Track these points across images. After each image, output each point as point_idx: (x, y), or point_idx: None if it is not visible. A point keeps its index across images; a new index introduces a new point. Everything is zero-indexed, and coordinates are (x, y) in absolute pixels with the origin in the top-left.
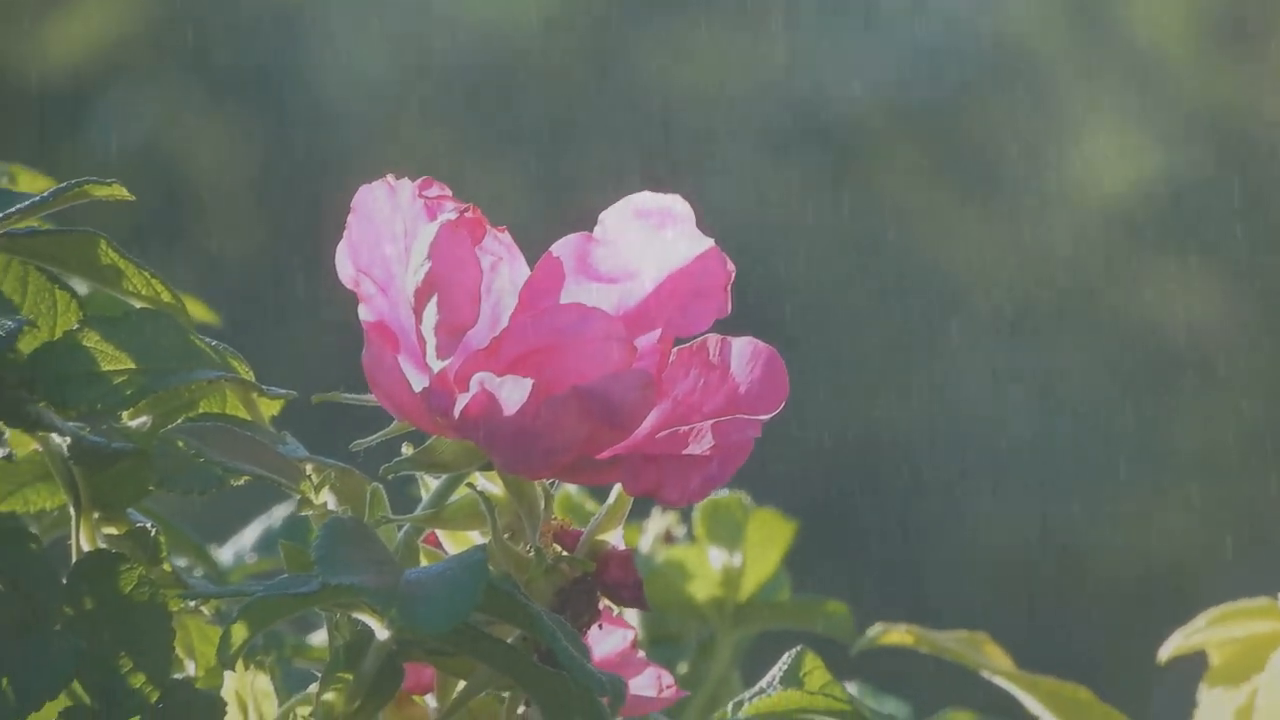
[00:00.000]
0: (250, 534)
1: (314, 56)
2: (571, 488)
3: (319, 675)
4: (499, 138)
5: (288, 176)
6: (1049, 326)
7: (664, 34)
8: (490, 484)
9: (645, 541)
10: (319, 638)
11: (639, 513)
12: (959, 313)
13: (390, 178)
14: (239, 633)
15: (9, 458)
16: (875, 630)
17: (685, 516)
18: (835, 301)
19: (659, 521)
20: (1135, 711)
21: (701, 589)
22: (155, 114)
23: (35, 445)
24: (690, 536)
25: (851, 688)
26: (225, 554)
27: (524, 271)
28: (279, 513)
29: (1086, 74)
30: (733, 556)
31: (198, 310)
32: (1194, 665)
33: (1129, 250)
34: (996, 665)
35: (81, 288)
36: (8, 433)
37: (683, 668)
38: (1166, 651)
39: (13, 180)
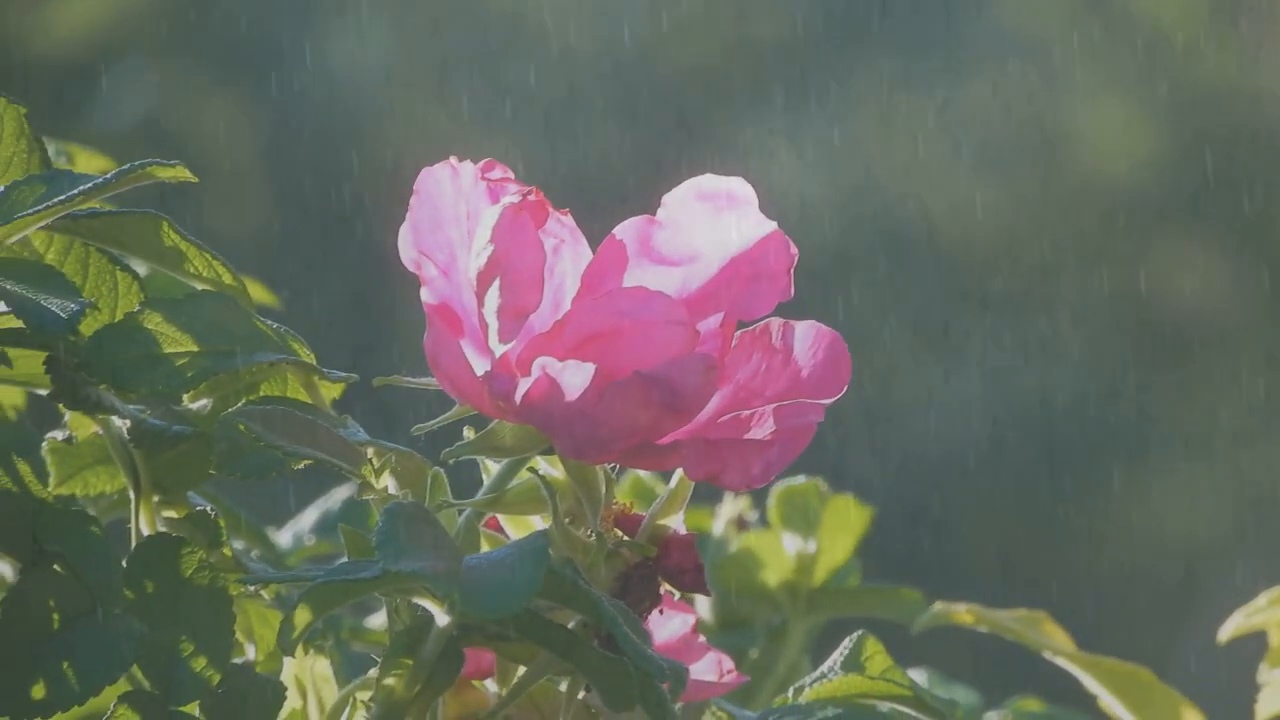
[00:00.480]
0: (309, 516)
1: (318, 32)
2: (641, 470)
3: (376, 659)
4: (506, 116)
5: (291, 154)
6: (1051, 301)
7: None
8: (551, 468)
9: (717, 526)
10: (376, 620)
11: (711, 497)
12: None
13: (453, 160)
14: (301, 618)
15: (69, 440)
16: (936, 610)
17: (758, 501)
18: (836, 278)
19: (731, 506)
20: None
21: (774, 574)
22: (158, 91)
23: (95, 428)
24: (763, 521)
25: (920, 674)
26: (284, 536)
27: (586, 254)
28: (338, 495)
29: (1088, 50)
30: (807, 543)
31: (257, 291)
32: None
33: (1133, 227)
34: (1056, 644)
35: (140, 269)
36: (67, 415)
37: (753, 653)
38: (1227, 632)
39: (70, 160)
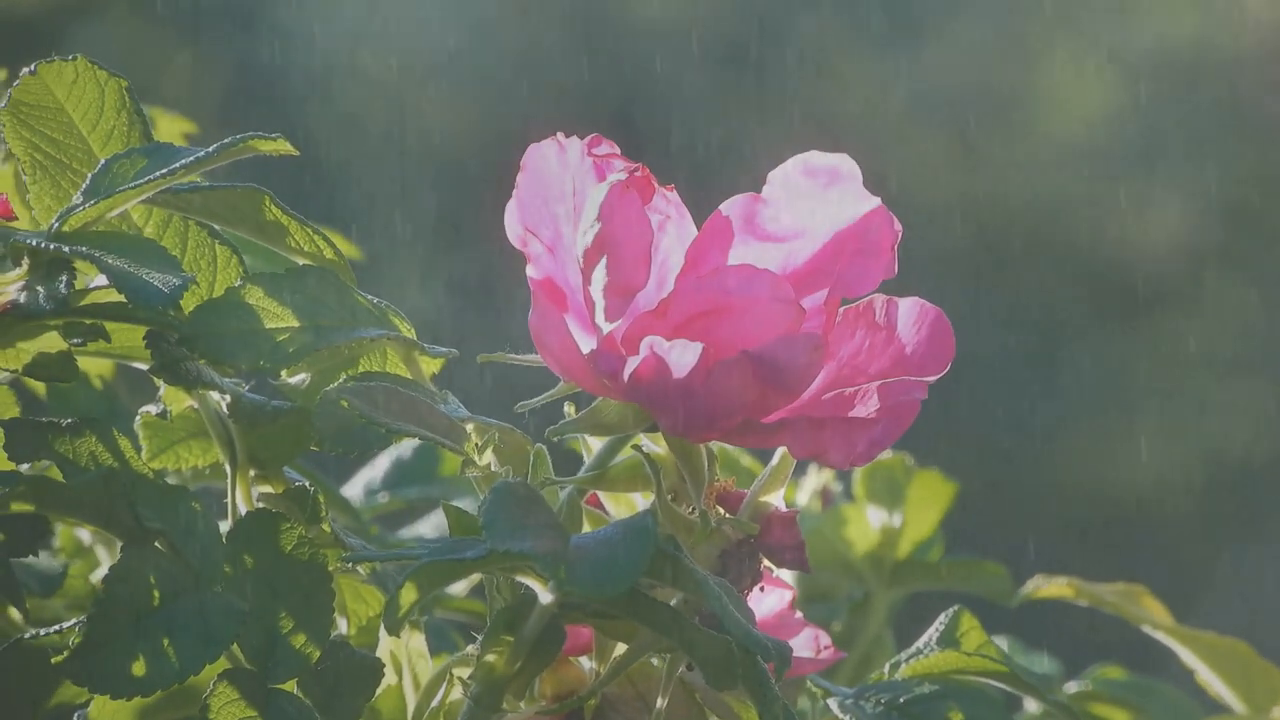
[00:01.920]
0: (381, 463)
1: None
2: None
3: (458, 627)
4: (466, 77)
5: (252, 112)
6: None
7: None
8: (654, 446)
9: (802, 498)
10: (458, 587)
11: (796, 469)
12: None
13: (560, 136)
14: (407, 597)
15: (163, 414)
16: (1034, 583)
17: (842, 474)
18: None
19: (816, 479)
20: None
21: (860, 547)
22: (117, 51)
23: (189, 402)
24: (847, 494)
25: (1001, 643)
26: (355, 487)
27: (691, 231)
28: (408, 441)
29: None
30: (892, 516)
31: (344, 247)
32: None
33: (1102, 181)
34: (1154, 618)
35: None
36: (162, 389)
37: (835, 626)
38: None
39: (152, 124)
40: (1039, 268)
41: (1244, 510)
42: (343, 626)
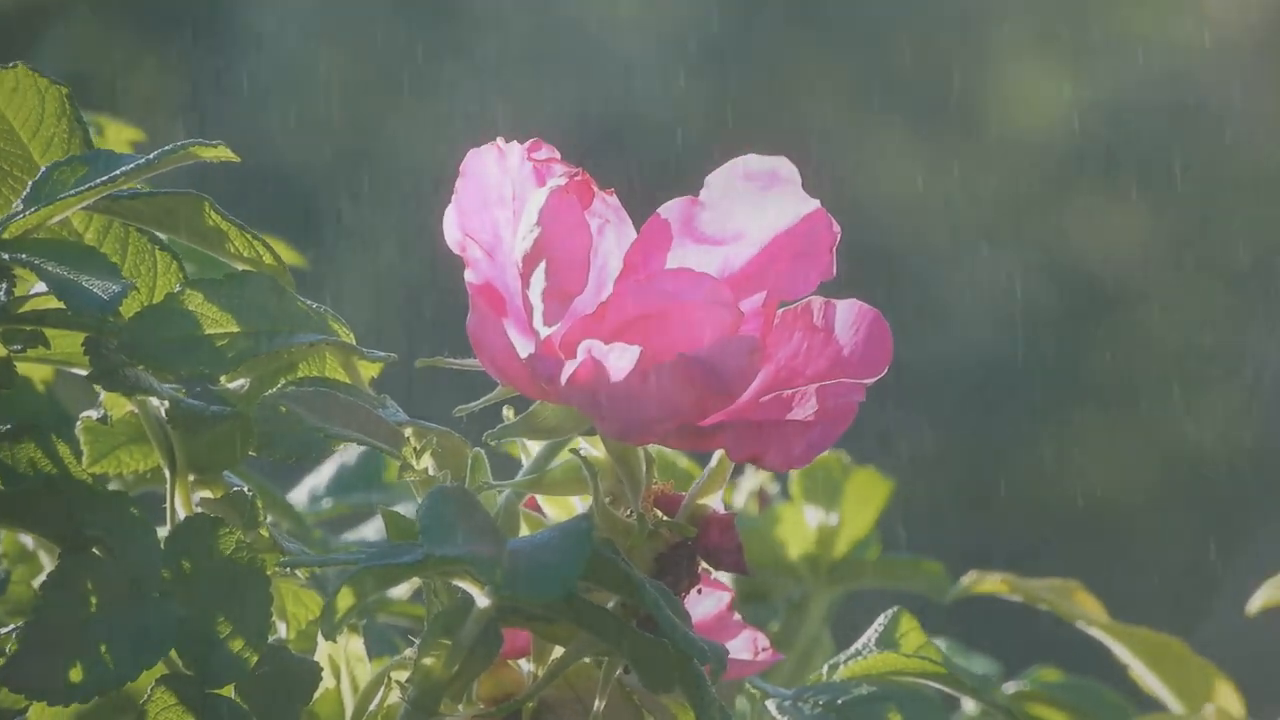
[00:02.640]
0: (326, 471)
1: None
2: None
3: (399, 631)
4: (431, 69)
5: (218, 110)
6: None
7: None
8: (592, 449)
9: (739, 500)
10: (400, 591)
11: (733, 471)
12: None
13: (500, 140)
14: (344, 602)
15: (104, 420)
16: (969, 579)
17: (779, 474)
18: None
19: (753, 480)
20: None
21: (796, 547)
22: (80, 48)
23: (129, 407)
24: (784, 495)
25: (939, 645)
26: (300, 493)
27: (630, 235)
28: (354, 448)
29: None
30: (829, 516)
31: (285, 253)
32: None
33: (1060, 182)
34: (1089, 614)
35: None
36: (102, 395)
37: (773, 626)
38: (1256, 604)
39: (100, 132)
40: (1006, 268)
41: (1212, 512)
42: (282, 631)
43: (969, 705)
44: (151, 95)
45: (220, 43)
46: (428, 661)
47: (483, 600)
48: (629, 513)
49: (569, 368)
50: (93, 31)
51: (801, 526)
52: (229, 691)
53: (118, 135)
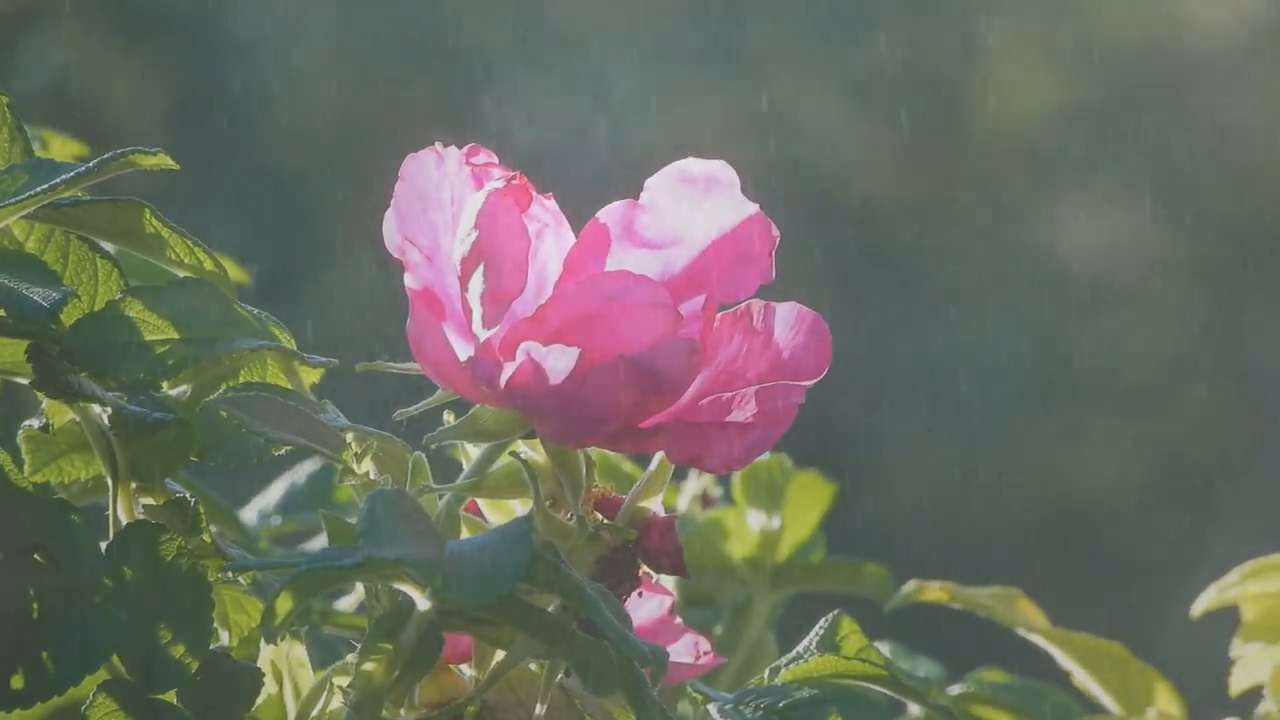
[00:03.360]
0: (275, 491)
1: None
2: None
3: (346, 642)
4: (417, 73)
5: (200, 117)
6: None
7: None
8: (532, 452)
9: (682, 503)
10: (346, 603)
11: (676, 474)
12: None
13: (438, 145)
14: (283, 606)
15: (45, 428)
16: (910, 587)
17: (722, 478)
18: None
19: (696, 483)
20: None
21: (739, 551)
22: (69, 53)
23: (71, 415)
24: (727, 498)
25: (884, 648)
26: (249, 512)
27: (569, 238)
28: (304, 469)
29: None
30: (771, 519)
31: (231, 270)
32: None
33: (1042, 178)
34: (1030, 621)
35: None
36: (44, 403)
37: (718, 630)
38: (1200, 606)
39: (44, 145)
40: (989, 265)
41: (1194, 512)
42: (225, 638)
43: (915, 709)
44: (133, 100)
45: (203, 47)
46: (369, 666)
47: (423, 604)
48: (569, 515)
49: (508, 370)
50: (73, 36)
51: (744, 530)
52: (171, 697)
53: (62, 149)
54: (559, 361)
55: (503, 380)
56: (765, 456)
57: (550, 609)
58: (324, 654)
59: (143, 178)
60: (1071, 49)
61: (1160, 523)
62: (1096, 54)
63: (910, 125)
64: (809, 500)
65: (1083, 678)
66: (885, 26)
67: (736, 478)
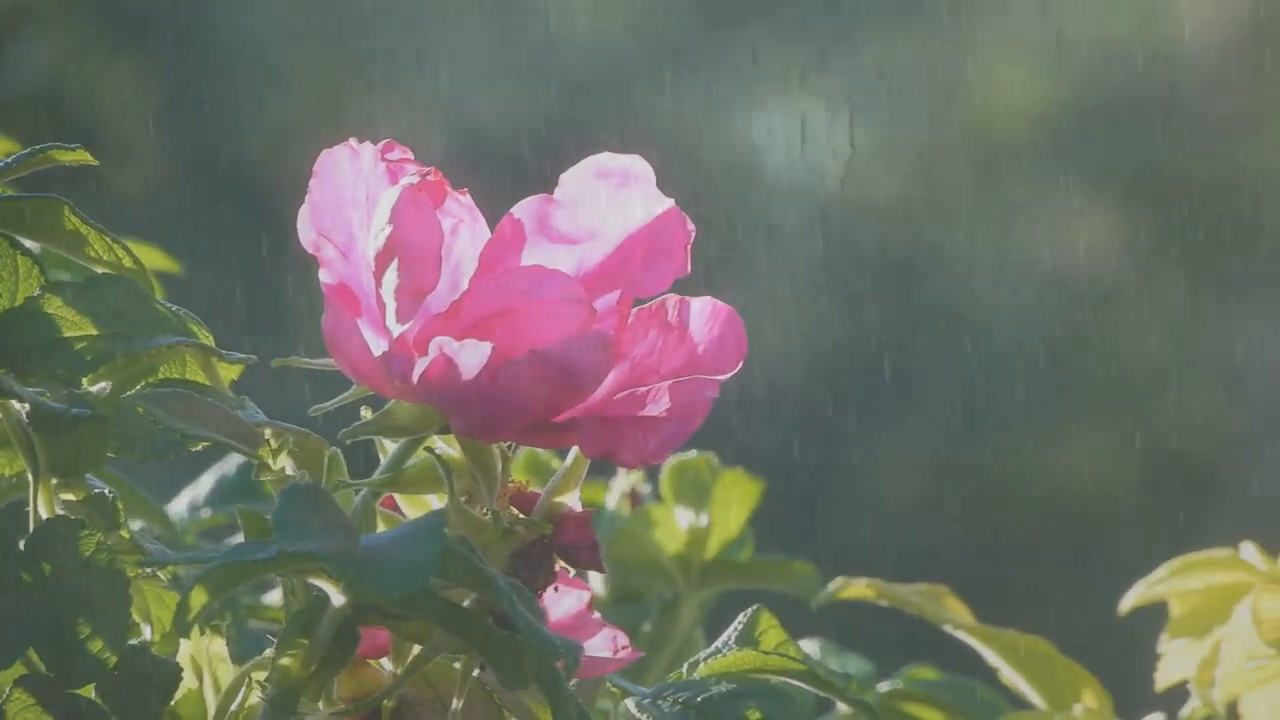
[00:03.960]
0: (205, 482)
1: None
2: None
3: (273, 637)
4: (412, 80)
5: (188, 121)
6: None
7: None
8: (448, 447)
9: (611, 500)
10: (273, 598)
11: (605, 471)
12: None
13: (353, 141)
14: (196, 599)
15: None
16: (836, 584)
17: (651, 475)
18: (729, 237)
19: (624, 480)
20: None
21: (667, 548)
22: (56, 56)
23: None
24: (656, 496)
25: (813, 645)
26: (179, 504)
27: (484, 234)
28: (234, 460)
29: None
30: (699, 516)
31: (157, 259)
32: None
33: (1028, 180)
34: (956, 618)
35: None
36: None
37: (646, 627)
38: (1128, 602)
39: None
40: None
41: (1183, 511)
42: (148, 633)
43: (844, 706)
44: (124, 101)
45: (193, 49)
46: (285, 661)
47: (338, 598)
48: (484, 511)
49: (421, 365)
50: (65, 37)
51: (672, 527)
52: (89, 692)
53: None
54: (471, 357)
55: (416, 375)
56: (693, 454)
57: (466, 604)
58: (251, 648)
59: (134, 179)
60: (1063, 49)
61: (1146, 524)
62: (1088, 54)
63: (897, 126)
64: (736, 498)
65: (1010, 674)
66: (876, 28)
67: (664, 475)
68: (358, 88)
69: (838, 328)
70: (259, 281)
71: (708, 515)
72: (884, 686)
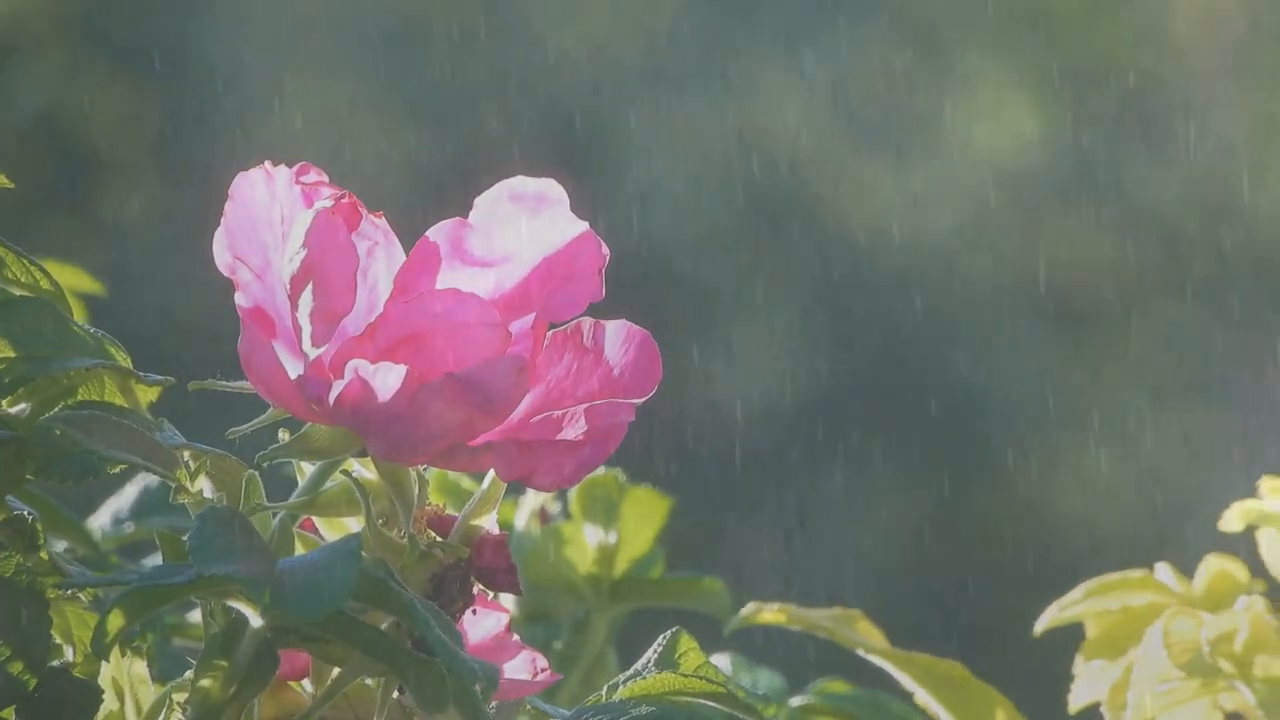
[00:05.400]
0: (129, 493)
1: (210, 24)
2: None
3: (193, 659)
4: (397, 103)
5: (184, 145)
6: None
7: None
8: (365, 470)
9: (521, 519)
10: (198, 616)
11: (515, 490)
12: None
13: (268, 164)
14: (114, 623)
15: None
16: (749, 609)
17: (561, 494)
18: (719, 259)
19: (534, 499)
20: (1008, 684)
21: (577, 566)
22: (51, 83)
23: None
24: (565, 514)
25: (724, 660)
26: (103, 516)
27: (400, 257)
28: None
29: (978, 30)
30: (608, 534)
31: (80, 280)
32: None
33: (1025, 206)
34: (870, 643)
35: None
36: None
37: (557, 646)
38: (1043, 624)
39: None
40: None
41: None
42: (70, 654)
43: None
44: (121, 126)
45: (190, 74)
46: (205, 683)
47: (256, 620)
48: (401, 534)
49: (337, 388)
50: (63, 61)
51: (582, 545)
52: (9, 714)
53: None
54: (387, 380)
55: (332, 398)
56: (600, 472)
57: (384, 626)
58: (175, 666)
59: (132, 199)
60: (1054, 75)
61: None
62: (1081, 79)
63: (890, 150)
64: (645, 515)
65: (925, 698)
66: (868, 47)
67: (573, 493)
68: (362, 113)
69: (823, 351)
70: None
71: (617, 533)
72: (795, 701)
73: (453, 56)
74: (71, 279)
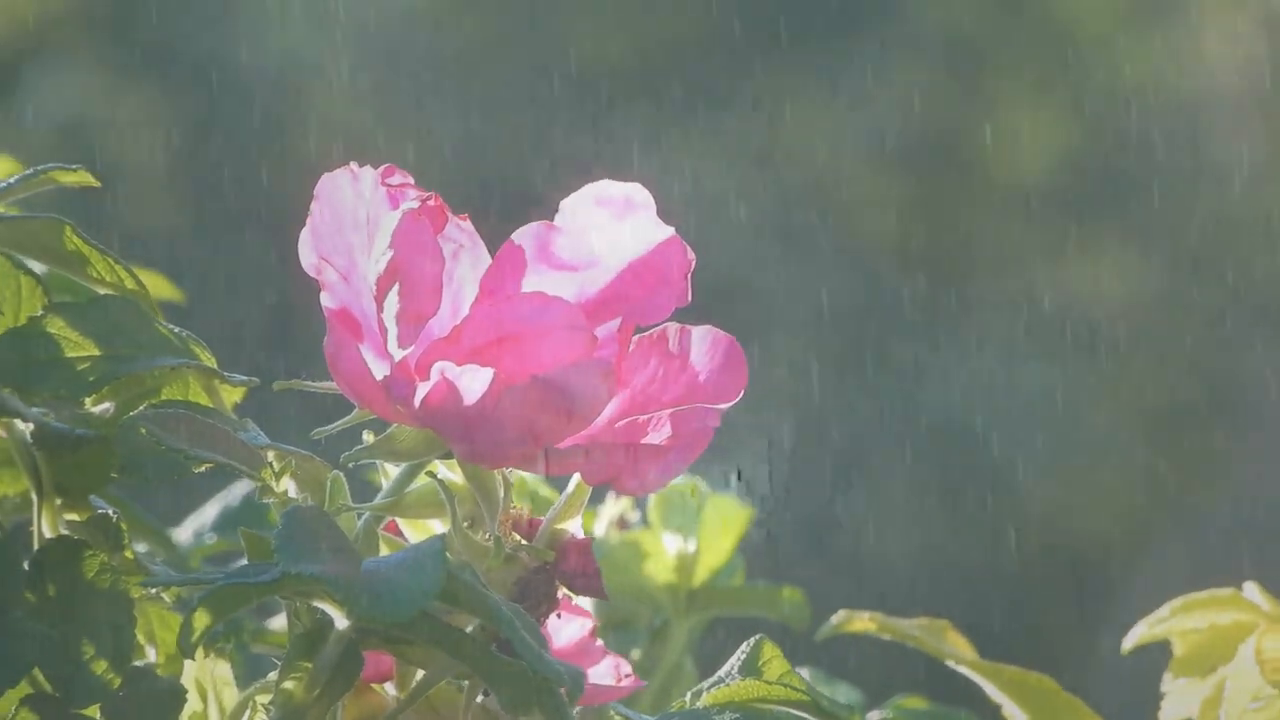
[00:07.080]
0: (210, 511)
1: (238, 31)
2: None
3: (278, 661)
4: (427, 113)
5: (212, 153)
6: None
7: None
8: (450, 472)
9: (600, 526)
10: (278, 623)
11: (594, 497)
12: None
13: (353, 165)
14: (200, 621)
15: None
16: (839, 617)
17: (640, 501)
18: (743, 277)
19: (614, 507)
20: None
21: (655, 575)
22: (79, 90)
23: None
24: (645, 522)
25: (803, 674)
26: (184, 532)
27: (485, 260)
28: (238, 490)
29: (1007, 50)
30: (687, 542)
31: (164, 287)
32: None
33: (1048, 226)
34: (959, 653)
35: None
36: None
37: (635, 654)
38: (1131, 641)
39: None
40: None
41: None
42: (152, 654)
43: None
44: (141, 132)
45: (212, 79)
46: (289, 685)
47: (342, 622)
48: (486, 536)
49: (422, 390)
50: (79, 68)
51: (661, 554)
52: (94, 712)
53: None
54: (473, 382)
55: (417, 400)
56: (680, 480)
57: (469, 629)
58: (256, 673)
59: (160, 206)
60: (1081, 97)
61: (1151, 565)
62: (1107, 102)
63: (918, 173)
64: (724, 524)
65: (1012, 710)
66: (897, 76)
67: (652, 501)
68: (387, 116)
69: (850, 373)
70: (280, 310)
71: (696, 541)
72: (873, 716)
73: (479, 67)
74: (151, 284)
